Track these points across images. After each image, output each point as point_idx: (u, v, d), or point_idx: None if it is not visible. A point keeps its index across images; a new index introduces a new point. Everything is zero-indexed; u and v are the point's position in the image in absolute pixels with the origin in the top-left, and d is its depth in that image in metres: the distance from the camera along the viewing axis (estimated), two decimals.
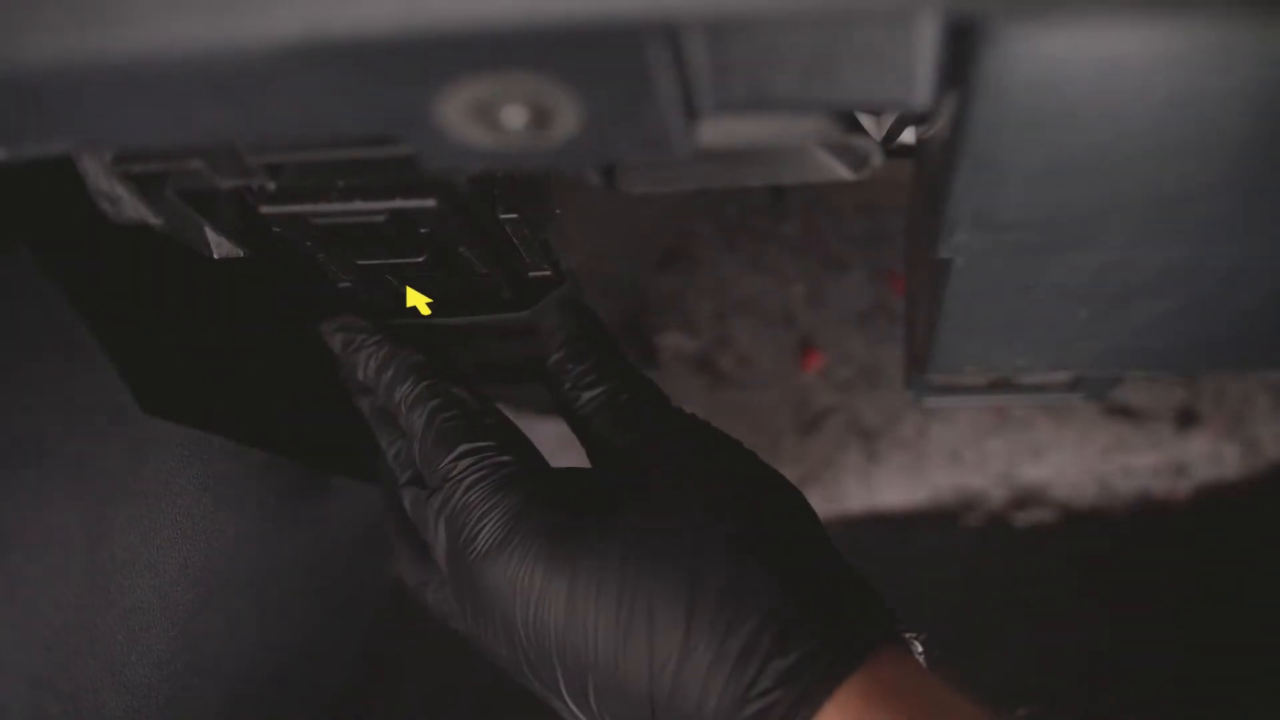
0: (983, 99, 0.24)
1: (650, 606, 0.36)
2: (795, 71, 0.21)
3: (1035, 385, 0.53)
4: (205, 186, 0.34)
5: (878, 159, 0.32)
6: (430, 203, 0.37)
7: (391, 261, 0.42)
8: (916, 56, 0.21)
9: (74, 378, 0.40)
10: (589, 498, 0.40)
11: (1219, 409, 0.80)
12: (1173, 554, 0.79)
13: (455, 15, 0.17)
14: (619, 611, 0.36)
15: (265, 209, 0.38)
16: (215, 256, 0.39)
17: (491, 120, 0.21)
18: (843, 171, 0.32)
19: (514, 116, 0.21)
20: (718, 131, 0.29)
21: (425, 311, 0.48)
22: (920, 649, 0.38)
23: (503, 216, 0.41)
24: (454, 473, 0.40)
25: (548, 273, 0.47)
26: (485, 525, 0.39)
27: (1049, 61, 0.23)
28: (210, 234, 0.38)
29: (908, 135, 0.39)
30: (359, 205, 0.37)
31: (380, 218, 0.37)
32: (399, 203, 0.37)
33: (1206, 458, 0.80)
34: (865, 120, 0.34)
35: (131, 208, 0.35)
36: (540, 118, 0.21)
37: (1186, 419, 0.80)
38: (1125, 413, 0.81)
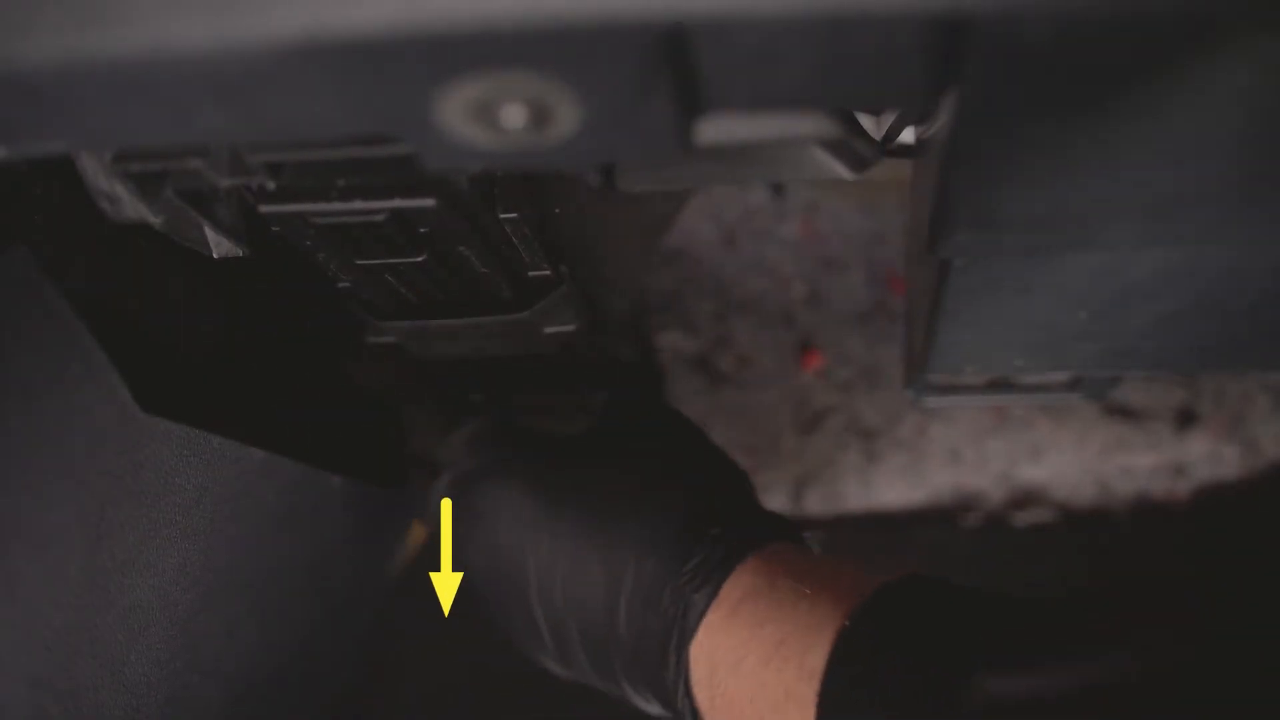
0: (982, 99, 0.24)
1: (605, 518, 0.48)
2: (794, 71, 0.21)
3: (1034, 385, 0.53)
4: (205, 186, 0.34)
5: (877, 159, 0.32)
6: (430, 202, 0.37)
7: (391, 261, 0.42)
8: (915, 56, 0.21)
9: (73, 377, 0.40)
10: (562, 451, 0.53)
11: (1218, 409, 0.80)
12: (1172, 554, 0.79)
13: (454, 15, 0.17)
14: (581, 518, 0.48)
15: (264, 208, 0.38)
16: (215, 256, 0.39)
17: (491, 120, 0.21)
18: (842, 171, 0.32)
19: (513, 116, 0.21)
20: (717, 131, 0.29)
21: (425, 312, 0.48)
22: (818, 549, 0.49)
23: (503, 216, 0.41)
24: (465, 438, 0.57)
25: (547, 273, 0.47)
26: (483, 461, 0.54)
27: (1048, 61, 0.23)
28: (210, 233, 0.38)
29: (907, 135, 0.39)
30: (358, 205, 0.37)
31: (380, 217, 0.37)
32: (398, 202, 0.37)
33: (1206, 458, 0.79)
34: (865, 120, 0.34)
35: (131, 207, 0.35)
36: (540, 117, 0.21)
37: (1186, 419, 0.80)
38: (1124, 413, 0.81)
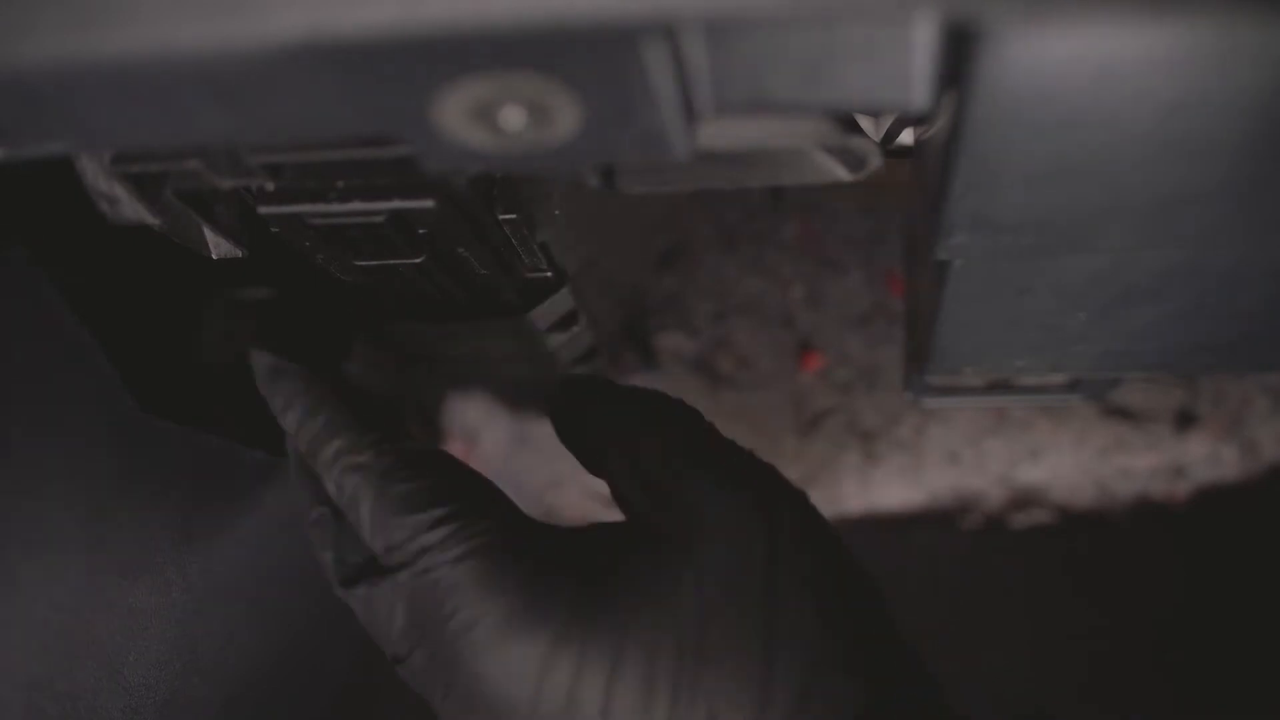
0: (981, 100, 0.24)
1: (710, 710, 0.29)
2: (794, 73, 0.21)
3: (1034, 386, 0.53)
4: (204, 187, 0.34)
5: (876, 160, 0.32)
6: (429, 204, 0.37)
7: (390, 263, 0.42)
8: (915, 58, 0.21)
9: (72, 378, 0.40)
10: (606, 566, 0.32)
11: (1217, 410, 0.80)
12: (1170, 555, 0.79)
13: (454, 16, 0.17)
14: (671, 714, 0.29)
15: (263, 209, 0.38)
16: (214, 257, 0.39)
17: (490, 121, 0.21)
18: (841, 173, 0.32)
19: (513, 117, 0.21)
20: (716, 133, 0.29)
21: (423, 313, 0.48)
22: None
23: (502, 217, 0.41)
24: (426, 544, 0.33)
25: (547, 274, 0.47)
26: (479, 609, 0.31)
27: (1048, 63, 0.23)
28: (209, 234, 0.38)
29: (906, 136, 0.39)
30: (357, 206, 0.37)
31: (379, 218, 0.37)
32: (398, 204, 0.37)
33: (1205, 459, 0.80)
34: (864, 121, 0.34)
35: (130, 208, 0.35)
36: (539, 119, 0.21)
37: (1185, 420, 0.80)
38: (1124, 414, 0.81)
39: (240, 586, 0.53)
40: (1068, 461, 0.81)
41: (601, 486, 0.75)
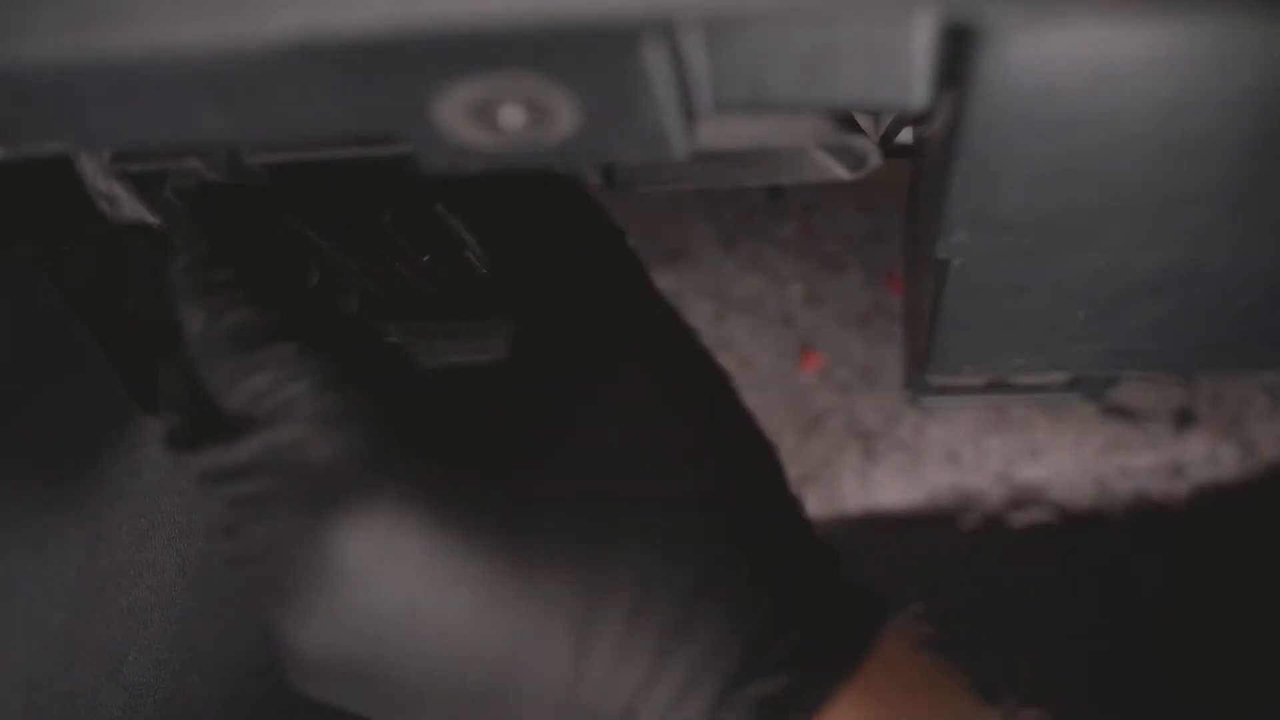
0: (981, 99, 0.24)
1: (589, 612, 0.25)
2: (793, 72, 0.21)
3: (1033, 385, 0.53)
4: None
5: (875, 159, 0.32)
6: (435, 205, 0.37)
7: (392, 263, 0.42)
8: (914, 56, 0.21)
9: (71, 378, 0.40)
10: (492, 425, 0.27)
11: (1216, 409, 0.80)
12: (1170, 554, 0.79)
13: (453, 15, 0.17)
14: (552, 624, 0.25)
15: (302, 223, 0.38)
16: None
17: (490, 120, 0.21)
18: (840, 172, 0.32)
19: (512, 116, 0.21)
20: (716, 132, 0.29)
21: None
22: (914, 633, 0.32)
23: None
24: (260, 387, 0.26)
25: None
26: (323, 470, 0.25)
27: (1047, 62, 0.23)
28: None
29: (906, 135, 0.39)
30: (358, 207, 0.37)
31: (381, 219, 0.37)
32: (398, 204, 0.37)
33: (1204, 458, 0.80)
34: (863, 120, 0.34)
35: (130, 207, 0.35)
36: (538, 118, 0.21)
37: (1184, 419, 0.80)
38: (1123, 413, 0.81)
39: (239, 586, 0.53)
40: (1067, 460, 0.81)
41: None
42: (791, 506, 0.31)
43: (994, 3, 0.17)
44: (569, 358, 0.29)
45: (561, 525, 0.25)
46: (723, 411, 0.31)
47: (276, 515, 0.25)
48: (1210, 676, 0.76)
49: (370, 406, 0.26)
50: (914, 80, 0.22)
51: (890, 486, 0.82)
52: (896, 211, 0.83)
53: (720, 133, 0.29)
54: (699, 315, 0.83)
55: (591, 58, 0.19)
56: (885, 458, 0.82)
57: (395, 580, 0.25)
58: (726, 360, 0.84)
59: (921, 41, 0.21)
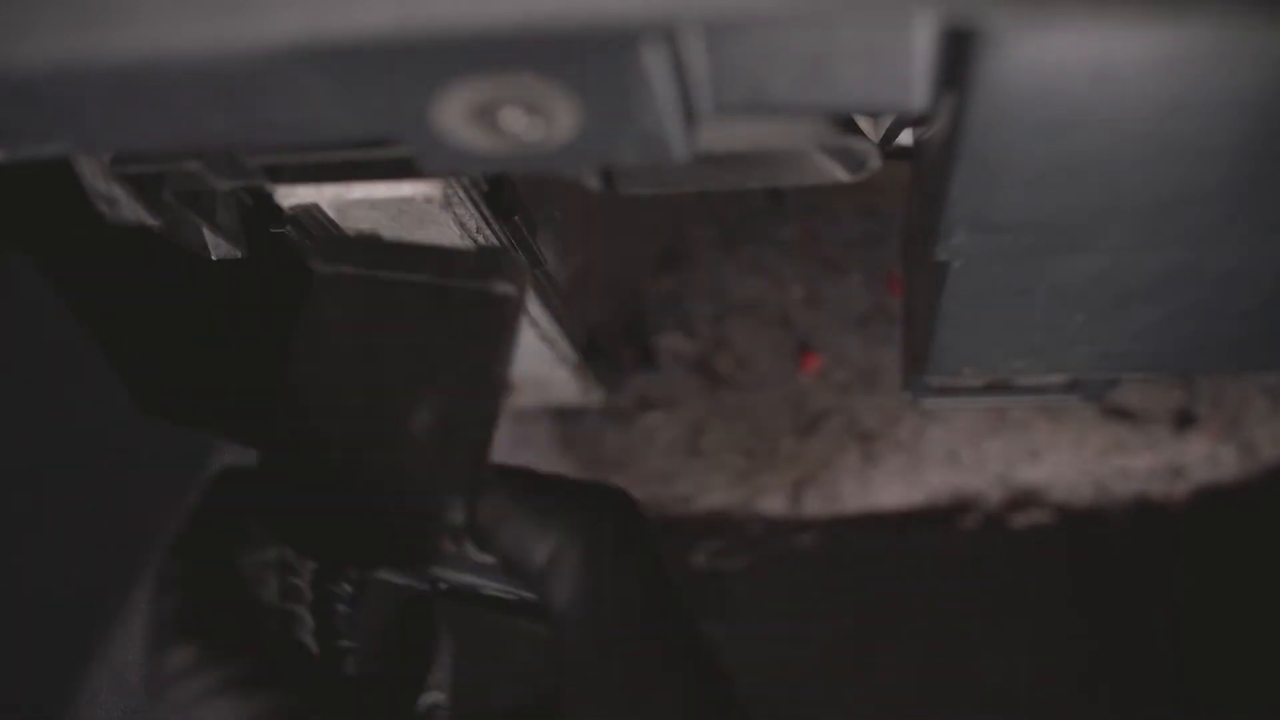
0: (980, 102, 0.24)
1: None
2: (792, 74, 0.22)
3: (1033, 387, 0.53)
4: (203, 188, 0.34)
5: (875, 161, 0.32)
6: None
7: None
8: (913, 59, 0.21)
9: (72, 379, 0.40)
10: None
11: (1216, 411, 0.80)
12: (1169, 555, 0.79)
13: (453, 18, 0.17)
14: None
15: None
16: (213, 257, 0.39)
17: (490, 123, 0.21)
18: (840, 174, 0.32)
19: (513, 119, 0.21)
20: (716, 134, 0.29)
21: None
22: None
23: (502, 218, 0.41)
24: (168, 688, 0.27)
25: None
26: None
27: (1046, 64, 0.23)
28: (208, 235, 0.39)
29: (905, 137, 0.39)
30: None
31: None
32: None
33: (1203, 459, 0.80)
34: (863, 122, 0.34)
35: (129, 209, 0.35)
36: (539, 120, 0.21)
37: (1183, 421, 0.80)
38: (1122, 414, 0.81)
39: None
40: (1067, 462, 0.81)
41: None
42: None
43: (994, 4, 0.17)
44: None
45: None
46: None
47: None
48: (1210, 676, 0.76)
49: None
50: (914, 82, 0.22)
51: (890, 488, 0.82)
52: (896, 214, 0.83)
53: (720, 135, 0.29)
54: (699, 316, 0.84)
55: (592, 60, 0.19)
56: (885, 459, 0.82)
57: None
58: (726, 361, 0.84)
59: (921, 43, 0.21)
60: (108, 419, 0.42)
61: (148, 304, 0.45)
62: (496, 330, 0.30)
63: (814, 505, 0.81)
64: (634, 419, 0.82)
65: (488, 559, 0.32)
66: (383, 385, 0.32)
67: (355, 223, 0.40)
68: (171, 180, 0.35)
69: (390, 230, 0.41)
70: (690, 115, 0.22)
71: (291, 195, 0.38)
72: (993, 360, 0.42)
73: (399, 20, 0.17)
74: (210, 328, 0.50)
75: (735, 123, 0.29)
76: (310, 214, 0.39)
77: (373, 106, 0.20)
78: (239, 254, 0.40)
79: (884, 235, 0.84)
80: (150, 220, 0.35)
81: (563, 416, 0.82)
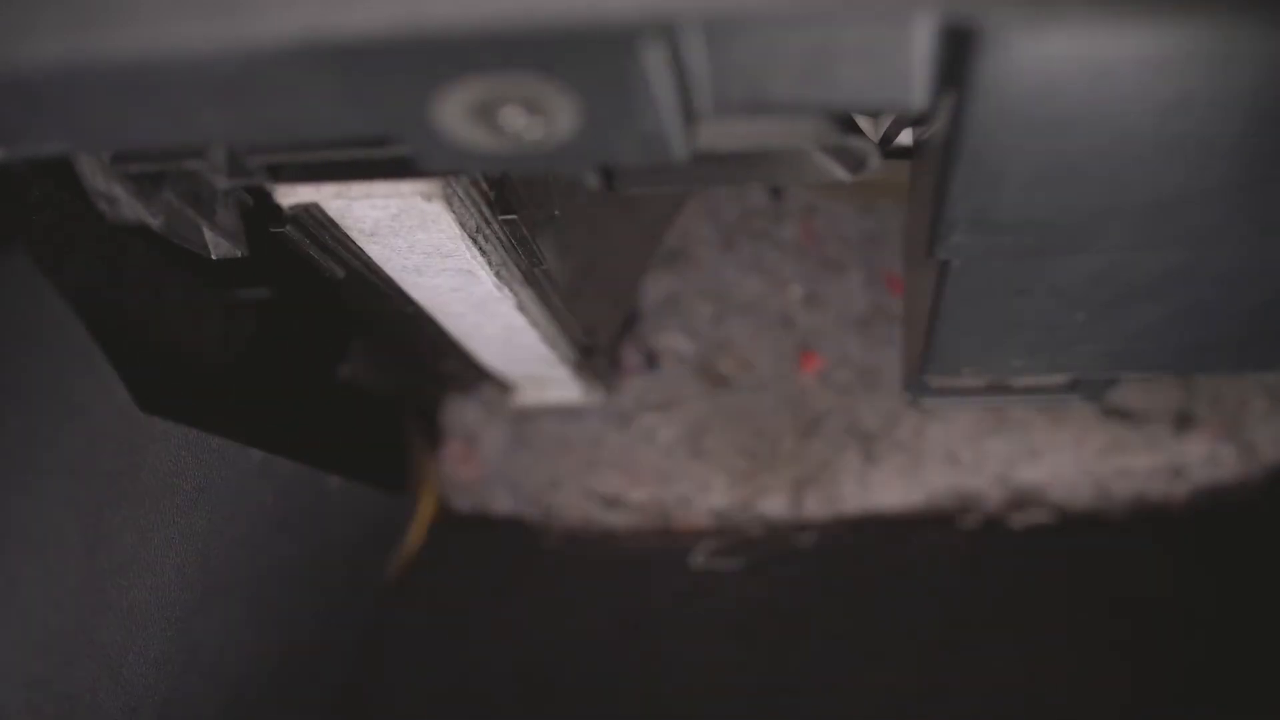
0: (979, 101, 0.24)
1: None
2: (792, 74, 0.22)
3: (1032, 387, 0.53)
4: (203, 187, 0.34)
5: (875, 161, 0.32)
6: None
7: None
8: (913, 59, 0.21)
9: (72, 378, 0.40)
10: None
11: (1215, 411, 0.80)
12: (1169, 555, 0.79)
13: (453, 17, 0.17)
14: None
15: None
16: (213, 256, 0.39)
17: (490, 122, 0.21)
18: (840, 173, 0.32)
19: (513, 118, 0.21)
20: (715, 134, 0.29)
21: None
22: None
23: (501, 218, 0.41)
24: None
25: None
26: None
27: (1046, 64, 0.23)
28: (208, 234, 0.39)
29: (905, 137, 0.39)
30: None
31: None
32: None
33: (1203, 460, 0.80)
34: (863, 122, 0.34)
35: (129, 208, 0.35)
36: (539, 119, 0.21)
37: (1183, 421, 0.80)
38: (1122, 414, 0.81)
39: (239, 585, 0.53)
40: (1066, 462, 0.81)
41: (600, 486, 0.74)
42: None
43: (994, 4, 0.17)
44: None
45: None
46: None
47: None
48: (1210, 676, 0.76)
49: None
50: (914, 82, 0.22)
51: (890, 488, 0.82)
52: (896, 213, 0.83)
53: (720, 134, 0.29)
54: (699, 316, 0.84)
55: (592, 59, 0.19)
56: (885, 459, 0.82)
57: None
58: (726, 361, 0.84)
59: (921, 43, 0.21)
60: (108, 418, 0.42)
61: (149, 302, 0.45)
62: None
63: (814, 505, 0.81)
64: (634, 419, 0.82)
65: None
66: None
67: (355, 222, 0.40)
68: (171, 180, 0.35)
69: (390, 230, 0.41)
70: (690, 114, 0.22)
71: (291, 194, 0.38)
72: (993, 360, 0.42)
73: (399, 20, 0.17)
74: (211, 328, 0.50)
75: (735, 122, 0.29)
76: (310, 213, 0.39)
77: (373, 105, 0.20)
78: (239, 254, 0.40)
79: (884, 235, 0.84)
80: (150, 220, 0.35)
81: (563, 416, 0.82)
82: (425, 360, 0.74)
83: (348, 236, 0.42)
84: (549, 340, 0.60)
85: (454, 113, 0.20)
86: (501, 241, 0.44)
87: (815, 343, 0.84)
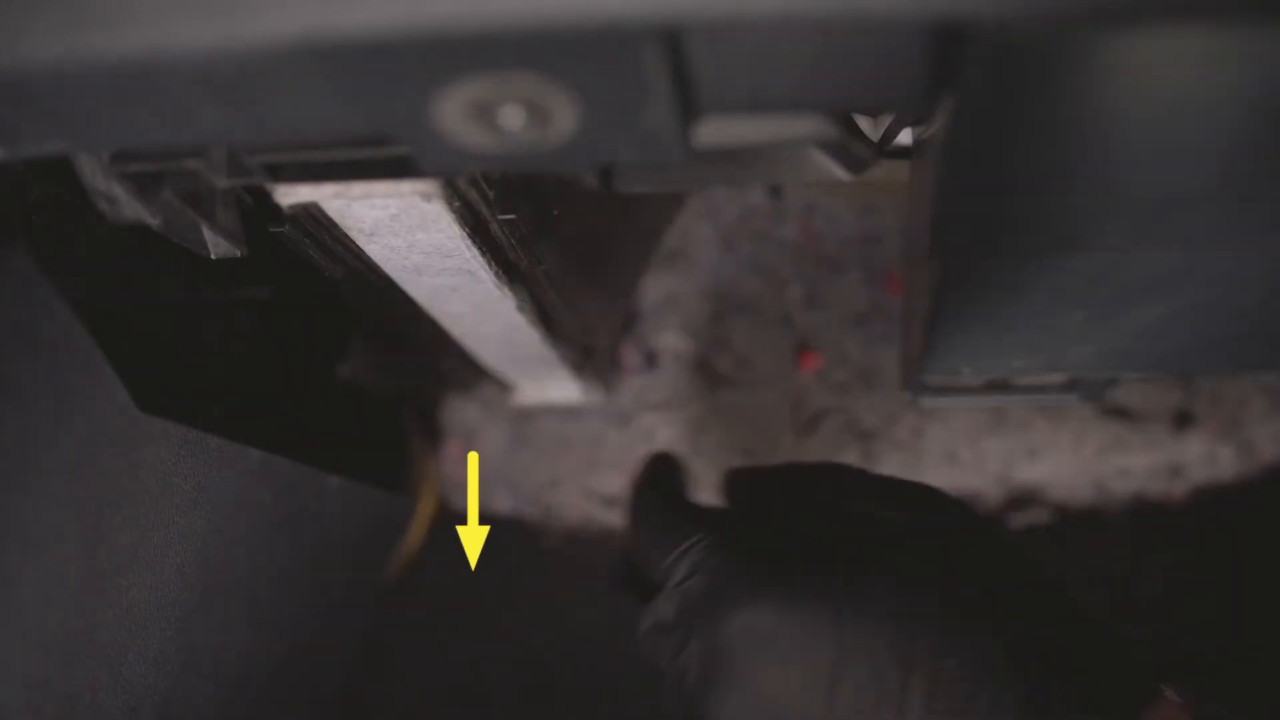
0: (979, 100, 0.24)
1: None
2: (792, 73, 0.22)
3: (1031, 386, 0.53)
4: (203, 187, 0.34)
5: (874, 160, 0.32)
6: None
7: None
8: (912, 58, 0.21)
9: (71, 377, 0.40)
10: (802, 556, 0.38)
11: (1215, 410, 0.80)
12: (1168, 555, 0.79)
13: (453, 16, 0.17)
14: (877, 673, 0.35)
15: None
16: (213, 256, 0.39)
17: (490, 121, 0.21)
18: (839, 173, 0.32)
19: (512, 117, 0.21)
20: (715, 132, 0.29)
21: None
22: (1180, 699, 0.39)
23: (501, 218, 0.41)
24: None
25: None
26: (718, 595, 0.37)
27: (1045, 64, 0.23)
28: (208, 234, 0.39)
29: (905, 136, 0.39)
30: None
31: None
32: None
33: (1202, 459, 0.80)
34: (862, 121, 0.34)
35: (129, 207, 0.35)
36: (538, 119, 0.21)
37: (1183, 420, 0.80)
38: (1121, 414, 0.81)
39: (239, 585, 0.53)
40: (1066, 461, 0.81)
41: (600, 486, 0.74)
42: (1066, 603, 0.42)
43: (993, 4, 0.17)
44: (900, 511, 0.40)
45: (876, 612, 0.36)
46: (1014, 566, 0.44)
47: (697, 631, 0.37)
48: (1209, 676, 0.76)
49: (746, 558, 0.38)
50: (913, 81, 0.22)
51: None
52: (895, 213, 0.83)
53: (719, 133, 0.29)
54: (698, 315, 0.84)
55: (591, 59, 0.19)
56: (884, 458, 0.82)
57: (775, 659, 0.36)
58: (725, 360, 0.84)
59: (920, 42, 0.21)
60: (108, 418, 0.42)
61: (148, 302, 0.45)
62: None
63: None
64: (634, 418, 0.82)
65: None
66: None
67: (355, 222, 0.40)
68: (171, 179, 0.35)
69: (390, 229, 0.41)
70: (689, 113, 0.22)
71: (291, 194, 0.38)
72: (992, 359, 0.42)
73: (398, 18, 0.17)
74: (210, 327, 0.50)
75: (734, 121, 0.29)
76: (310, 213, 0.39)
77: (372, 105, 0.21)
78: (238, 253, 0.40)
79: (883, 235, 0.84)
80: (150, 219, 0.35)
81: (562, 416, 0.82)
82: (425, 360, 0.74)
83: (347, 236, 0.42)
84: (549, 340, 0.60)
85: (453, 113, 0.20)
86: (502, 241, 0.44)
87: (814, 342, 0.84)
